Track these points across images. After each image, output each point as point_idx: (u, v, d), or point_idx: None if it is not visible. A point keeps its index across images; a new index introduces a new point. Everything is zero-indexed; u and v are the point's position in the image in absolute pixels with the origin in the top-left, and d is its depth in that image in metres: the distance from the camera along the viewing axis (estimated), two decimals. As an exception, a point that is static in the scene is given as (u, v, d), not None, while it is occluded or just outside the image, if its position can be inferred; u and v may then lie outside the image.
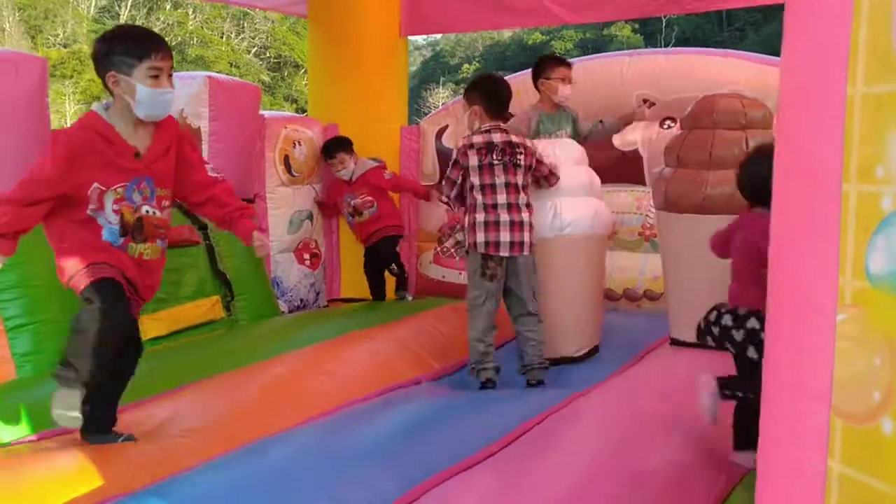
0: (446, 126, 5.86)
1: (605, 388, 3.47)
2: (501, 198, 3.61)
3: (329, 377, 3.50)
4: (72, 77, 39.97)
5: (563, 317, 3.97)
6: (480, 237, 3.59)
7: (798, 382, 0.81)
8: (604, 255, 4.28)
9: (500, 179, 3.60)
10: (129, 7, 49.70)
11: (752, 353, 2.47)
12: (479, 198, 3.62)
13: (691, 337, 3.88)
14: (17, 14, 43.14)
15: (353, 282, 5.71)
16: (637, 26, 48.02)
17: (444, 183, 3.86)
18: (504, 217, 3.59)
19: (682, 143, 3.94)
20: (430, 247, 5.91)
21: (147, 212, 2.62)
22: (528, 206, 3.69)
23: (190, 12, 50.39)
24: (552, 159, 3.92)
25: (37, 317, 3.57)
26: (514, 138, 3.69)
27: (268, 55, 51.50)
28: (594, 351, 4.17)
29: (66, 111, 38.24)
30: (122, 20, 49.37)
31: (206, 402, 3.12)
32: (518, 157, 3.64)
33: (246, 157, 4.92)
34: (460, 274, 5.73)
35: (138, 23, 49.23)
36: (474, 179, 3.62)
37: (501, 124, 3.75)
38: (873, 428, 0.71)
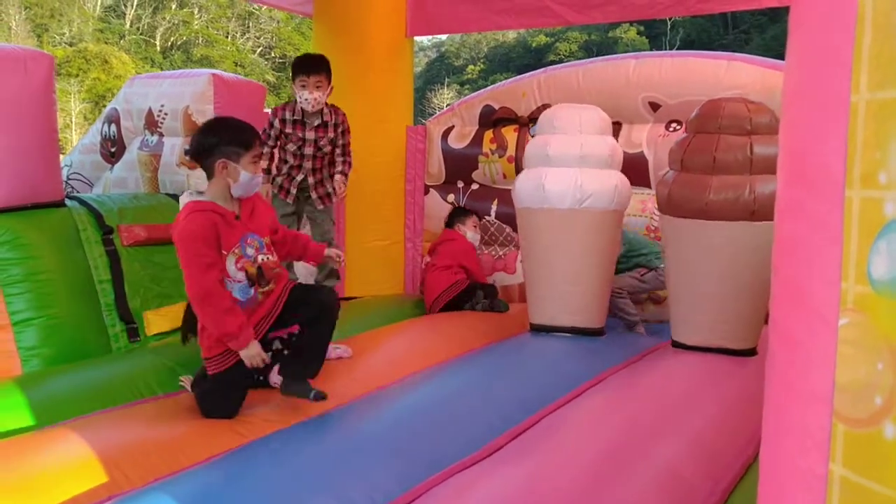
0: (452, 126, 5.86)
1: (603, 387, 3.46)
2: None
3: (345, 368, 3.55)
4: (77, 76, 40.09)
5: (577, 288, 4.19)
6: None
7: (800, 386, 0.82)
8: (619, 230, 4.36)
9: None
10: (134, 6, 49.81)
11: None
12: None
13: (692, 340, 3.92)
14: (23, 13, 43.29)
15: (359, 280, 5.71)
16: (642, 28, 48.06)
17: None
18: None
19: (687, 146, 3.92)
20: (433, 247, 5.90)
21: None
22: None
23: (195, 12, 50.49)
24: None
25: (43, 311, 3.57)
26: None
27: (273, 55, 51.60)
28: (600, 332, 4.26)
29: (70, 109, 38.30)
30: (128, 19, 49.52)
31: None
32: None
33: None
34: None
35: (143, 22, 49.43)
36: None
37: None
38: (875, 432, 0.72)
